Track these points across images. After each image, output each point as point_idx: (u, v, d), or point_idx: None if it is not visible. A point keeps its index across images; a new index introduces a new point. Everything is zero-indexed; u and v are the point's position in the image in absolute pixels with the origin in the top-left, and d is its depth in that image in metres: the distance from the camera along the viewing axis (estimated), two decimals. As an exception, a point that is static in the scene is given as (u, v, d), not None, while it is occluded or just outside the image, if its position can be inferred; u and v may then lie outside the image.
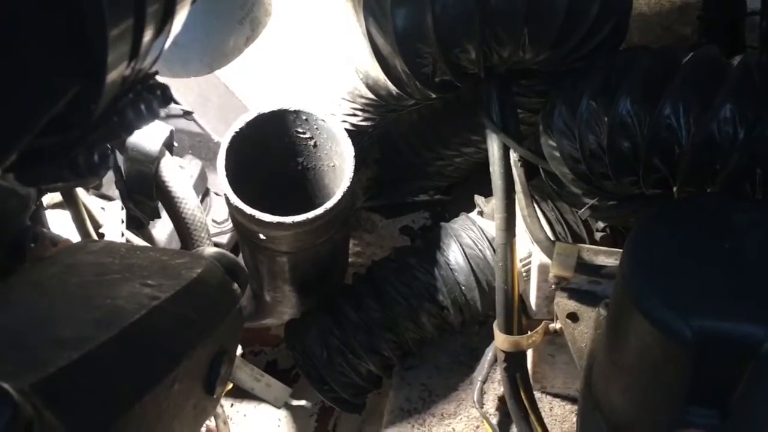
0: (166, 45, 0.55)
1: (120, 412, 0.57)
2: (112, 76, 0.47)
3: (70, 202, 1.03)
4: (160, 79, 0.62)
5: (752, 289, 0.72)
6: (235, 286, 0.88)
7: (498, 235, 1.15)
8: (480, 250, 1.35)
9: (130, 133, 0.52)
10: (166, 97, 0.54)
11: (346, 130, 1.26)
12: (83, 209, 1.04)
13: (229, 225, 1.54)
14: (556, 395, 1.37)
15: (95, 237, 1.06)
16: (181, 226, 1.25)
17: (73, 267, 0.74)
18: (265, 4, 1.07)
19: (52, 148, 0.48)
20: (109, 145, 0.51)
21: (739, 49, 1.32)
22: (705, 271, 0.75)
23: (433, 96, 1.09)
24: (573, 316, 1.07)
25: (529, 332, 1.18)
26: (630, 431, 0.89)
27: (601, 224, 1.32)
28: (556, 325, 1.14)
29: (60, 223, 1.10)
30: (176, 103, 1.52)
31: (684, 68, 0.92)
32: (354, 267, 1.71)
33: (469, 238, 1.37)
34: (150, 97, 0.52)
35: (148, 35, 0.51)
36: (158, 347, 0.65)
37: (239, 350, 1.24)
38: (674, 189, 0.95)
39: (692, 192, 0.94)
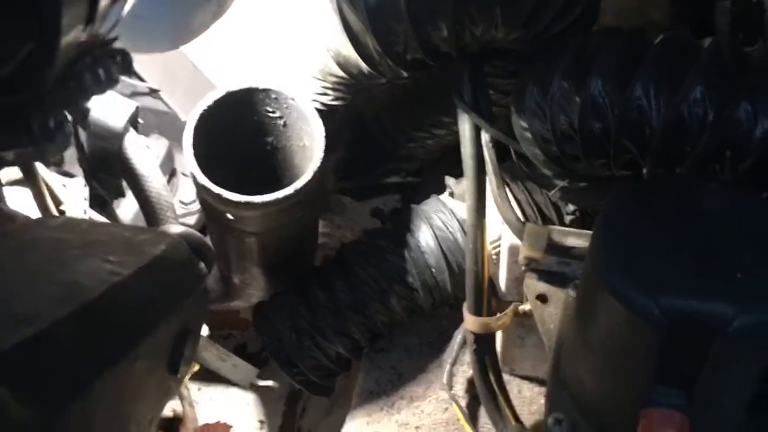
0: (125, 10, 0.53)
1: (79, 391, 0.55)
2: (67, 38, 0.45)
3: (30, 179, 1.00)
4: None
5: (720, 269, 0.73)
6: (201, 265, 0.87)
7: (469, 217, 1.14)
8: (450, 232, 1.34)
9: (88, 98, 0.50)
10: (126, 62, 0.52)
11: (317, 109, 1.24)
12: (44, 186, 1.02)
13: (197, 206, 1.52)
14: (524, 377, 1.37)
15: (56, 213, 1.04)
16: (147, 204, 1.22)
17: (32, 242, 0.72)
18: (233, -22, 1.04)
19: (6, 111, 0.46)
20: (67, 114, 0.49)
21: (710, 34, 1.32)
22: (673, 251, 0.75)
23: (405, 74, 1.08)
24: (542, 297, 1.07)
25: (498, 314, 1.18)
26: (598, 411, 0.89)
27: (570, 207, 1.33)
28: (526, 307, 1.14)
29: (19, 201, 1.07)
30: (142, 80, 1.49)
31: (655, 49, 0.92)
32: (324, 249, 1.69)
33: (439, 220, 1.36)
34: (108, 62, 0.50)
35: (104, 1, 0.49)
36: (119, 324, 0.63)
37: (206, 331, 1.22)
38: (644, 171, 0.95)
39: (662, 173, 0.94)
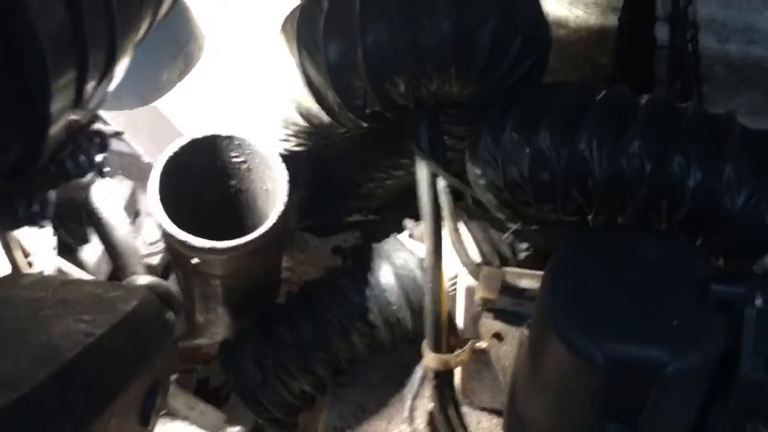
0: (110, 89, 0.57)
1: (59, 451, 0.58)
2: (55, 129, 0.48)
3: (-2, 230, 1.01)
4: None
5: (657, 317, 0.79)
6: (170, 314, 0.90)
7: (426, 258, 1.19)
8: (409, 270, 1.39)
9: (69, 182, 0.53)
10: (103, 145, 0.56)
11: (280, 154, 1.28)
12: (13, 236, 1.03)
13: (161, 246, 1.54)
14: (483, 409, 1.42)
15: (25, 263, 1.05)
16: (113, 252, 1.24)
17: (7, 302, 0.74)
18: (198, 39, 1.08)
19: (-6, 199, 0.49)
20: (49, 196, 0.52)
21: (651, 81, 1.41)
22: (616, 300, 0.81)
23: (364, 125, 1.13)
24: (498, 336, 1.12)
25: (457, 351, 1.23)
26: (551, 446, 0.94)
27: (524, 244, 1.38)
28: (483, 344, 1.19)
29: (-14, 250, 1.09)
30: (106, 123, 1.51)
31: (598, 105, 0.99)
32: (286, 284, 1.72)
33: (399, 258, 1.40)
34: (89, 148, 0.54)
35: (90, 85, 0.53)
36: (95, 383, 0.66)
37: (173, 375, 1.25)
38: (589, 217, 1.01)
39: (606, 220, 1.00)
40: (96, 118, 0.57)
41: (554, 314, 0.82)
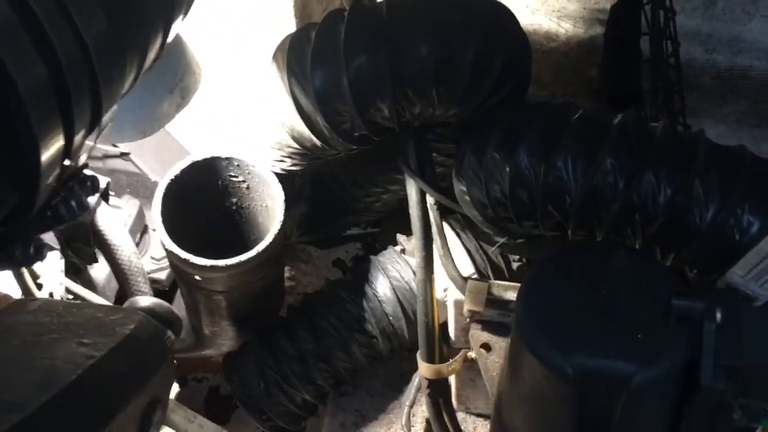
0: (97, 140, 0.62)
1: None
2: (47, 180, 0.54)
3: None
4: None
5: (624, 331, 0.83)
6: (169, 333, 0.95)
7: (418, 272, 1.24)
8: (406, 282, 1.43)
9: (62, 225, 0.59)
10: (94, 186, 0.61)
11: (277, 174, 1.34)
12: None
13: (167, 262, 1.59)
14: (479, 415, 1.46)
15: (33, 287, 1.11)
16: (119, 272, 1.30)
17: (13, 328, 0.80)
18: (195, 73, 1.14)
19: (-8, 245, 0.54)
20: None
21: (636, 93, 1.45)
22: (585, 315, 0.85)
23: (354, 148, 1.18)
24: (486, 347, 1.17)
25: (450, 360, 1.27)
26: (533, 453, 0.99)
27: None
28: (473, 354, 1.24)
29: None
30: (114, 145, 1.57)
31: (573, 125, 1.03)
32: (291, 295, 1.78)
33: (395, 270, 1.45)
34: (80, 193, 0.59)
35: (79, 137, 0.58)
36: (95, 405, 0.71)
37: (175, 388, 1.30)
38: (568, 232, 1.05)
39: (583, 234, 1.04)
40: (87, 164, 0.62)
41: (526, 329, 0.86)
